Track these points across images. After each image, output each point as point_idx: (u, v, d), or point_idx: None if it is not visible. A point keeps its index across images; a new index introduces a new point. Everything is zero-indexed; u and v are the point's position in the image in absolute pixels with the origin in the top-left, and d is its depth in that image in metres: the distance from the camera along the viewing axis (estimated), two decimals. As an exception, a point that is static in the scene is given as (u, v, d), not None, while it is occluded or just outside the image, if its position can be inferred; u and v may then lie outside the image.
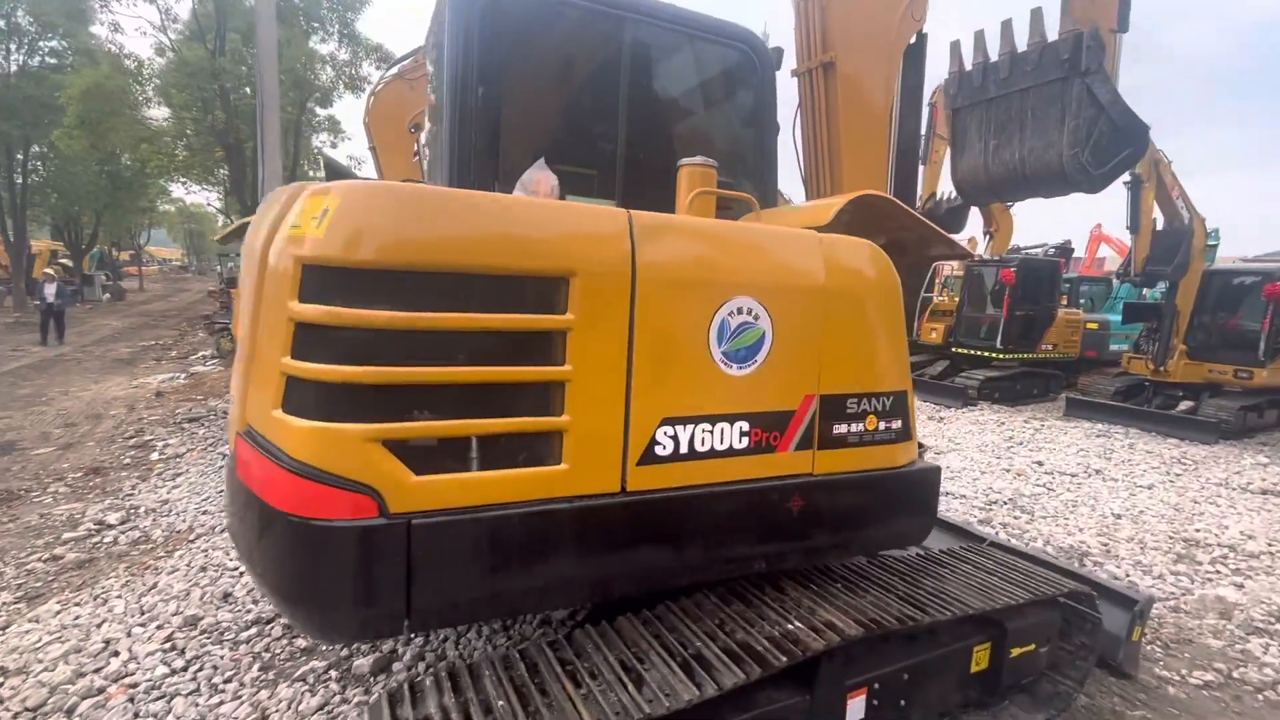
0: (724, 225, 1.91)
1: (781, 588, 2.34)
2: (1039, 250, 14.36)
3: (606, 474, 1.70)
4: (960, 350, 12.38)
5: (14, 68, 23.61)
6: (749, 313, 1.83)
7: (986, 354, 11.89)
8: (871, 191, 2.17)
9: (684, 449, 1.78)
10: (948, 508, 5.58)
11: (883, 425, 2.11)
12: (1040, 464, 7.37)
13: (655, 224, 1.73)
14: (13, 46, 24.08)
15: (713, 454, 1.83)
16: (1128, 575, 4.27)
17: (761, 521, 1.94)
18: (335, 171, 1.99)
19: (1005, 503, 5.83)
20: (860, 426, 2.07)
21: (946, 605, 2.33)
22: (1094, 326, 13.47)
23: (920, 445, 3.41)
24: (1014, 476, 6.80)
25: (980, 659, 2.52)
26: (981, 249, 13.61)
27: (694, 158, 2.12)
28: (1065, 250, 15.11)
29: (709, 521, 1.85)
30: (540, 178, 2.27)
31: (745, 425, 1.87)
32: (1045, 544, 4.76)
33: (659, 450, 1.75)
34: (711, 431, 1.82)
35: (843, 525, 2.10)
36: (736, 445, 1.87)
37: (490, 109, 2.42)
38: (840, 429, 2.04)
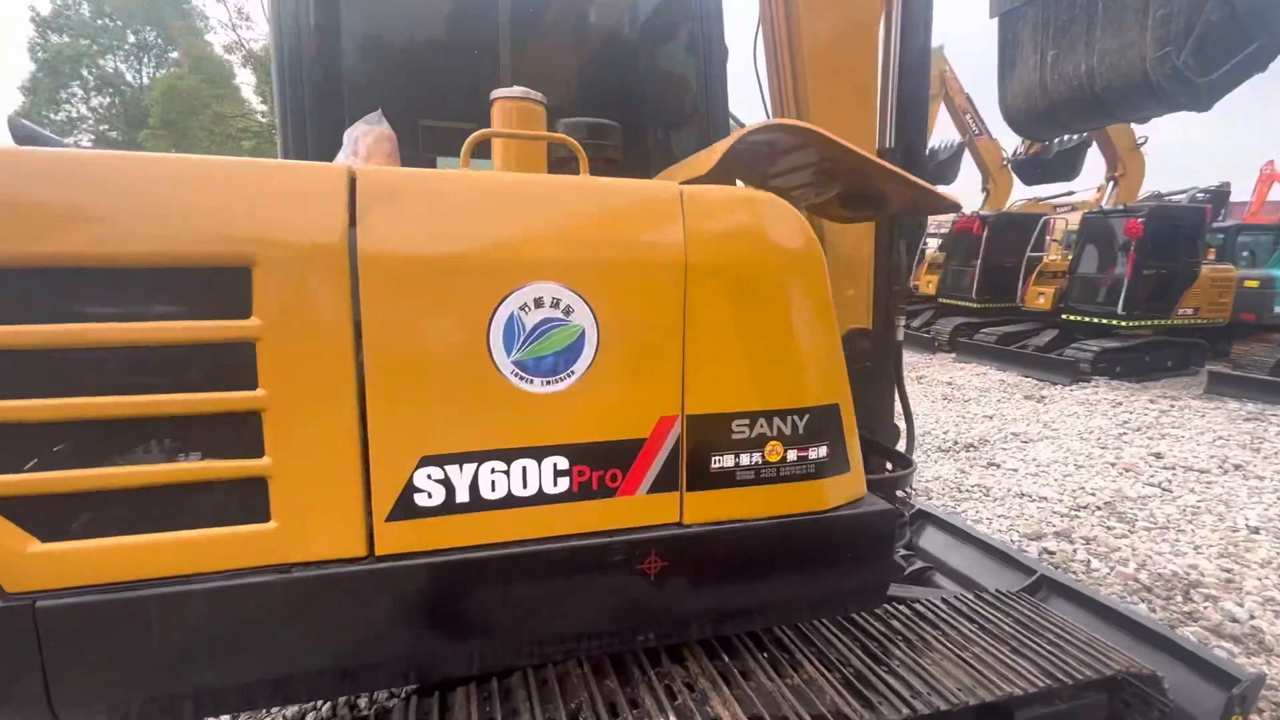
0: (510, 181, 1.35)
1: (681, 655, 1.80)
2: (1184, 196, 12.05)
3: (342, 534, 1.24)
4: (1072, 317, 10.69)
5: (145, 79, 26.26)
6: (555, 305, 1.29)
7: (1105, 321, 10.17)
8: (783, 121, 1.51)
9: (463, 497, 1.29)
10: (1020, 514, 4.65)
11: (795, 455, 1.50)
12: (1159, 456, 6.09)
13: (392, 184, 1.22)
14: (145, 59, 26.76)
15: (511, 502, 1.32)
16: (1251, 618, 3.27)
17: (602, 590, 1.41)
18: (20, 137, 1.64)
19: (1099, 508, 4.79)
20: (756, 458, 1.47)
21: (908, 695, 1.70)
22: (1254, 285, 11.15)
23: (901, 462, 2.67)
24: (1119, 473, 5.64)
25: (977, 756, 1.86)
26: (1107, 198, 11.60)
27: (511, 89, 1.56)
28: (1219, 195, 12.59)
29: (511, 592, 1.35)
30: (367, 134, 1.81)
31: (562, 461, 1.34)
32: (1139, 569, 3.79)
33: (421, 500, 1.27)
34: (507, 472, 1.31)
35: (735, 592, 1.53)
36: (550, 489, 1.34)
37: (329, 51, 1.98)
38: (723, 462, 1.45)
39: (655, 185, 1.40)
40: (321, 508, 1.23)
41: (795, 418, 1.49)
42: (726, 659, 1.78)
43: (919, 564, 3.12)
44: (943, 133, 14.14)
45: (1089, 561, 3.85)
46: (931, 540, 3.44)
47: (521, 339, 1.28)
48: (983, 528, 4.36)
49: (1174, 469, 5.78)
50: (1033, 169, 10.81)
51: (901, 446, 2.75)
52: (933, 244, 15.37)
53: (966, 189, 14.38)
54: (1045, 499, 4.95)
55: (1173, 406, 8.22)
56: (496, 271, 1.25)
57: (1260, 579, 3.70)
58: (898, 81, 2.37)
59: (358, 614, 1.27)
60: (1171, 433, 6.98)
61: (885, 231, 2.50)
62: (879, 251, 2.53)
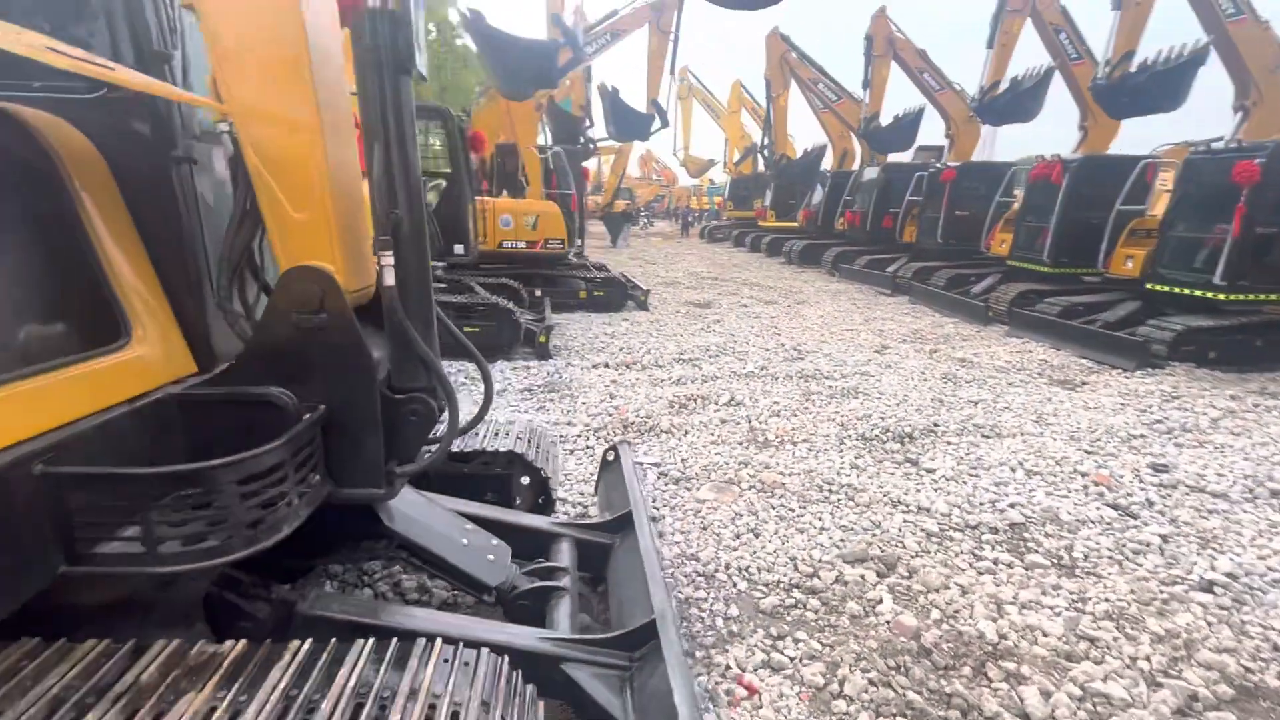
0: None
1: None
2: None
3: None
4: (1157, 287, 8.51)
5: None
6: None
7: (1198, 293, 7.99)
8: None
9: None
10: (871, 527, 3.64)
11: None
12: (1163, 469, 4.62)
13: None
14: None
15: None
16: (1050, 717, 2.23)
17: None
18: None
19: (997, 531, 3.65)
20: None
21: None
22: None
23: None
24: (1082, 488, 4.32)
25: None
26: (1232, 134, 8.93)
27: None
28: None
29: None
30: None
31: None
32: (939, 621, 2.76)
33: None
34: None
35: None
36: None
37: None
38: None
39: None
40: None
41: None
42: None
43: (561, 581, 2.44)
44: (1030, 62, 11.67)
45: (879, 601, 2.88)
46: (626, 552, 2.70)
47: None
48: (798, 540, 3.46)
49: (1173, 489, 4.34)
50: (1116, 96, 8.51)
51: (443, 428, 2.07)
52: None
53: (1060, 126, 11.84)
54: (927, 510, 3.86)
55: (1258, 406, 6.29)
56: None
57: (1128, 660, 2.56)
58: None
59: None
60: (1219, 440, 5.29)
61: (378, 110, 1.78)
62: (382, 151, 1.82)
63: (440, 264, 7.29)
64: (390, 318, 1.89)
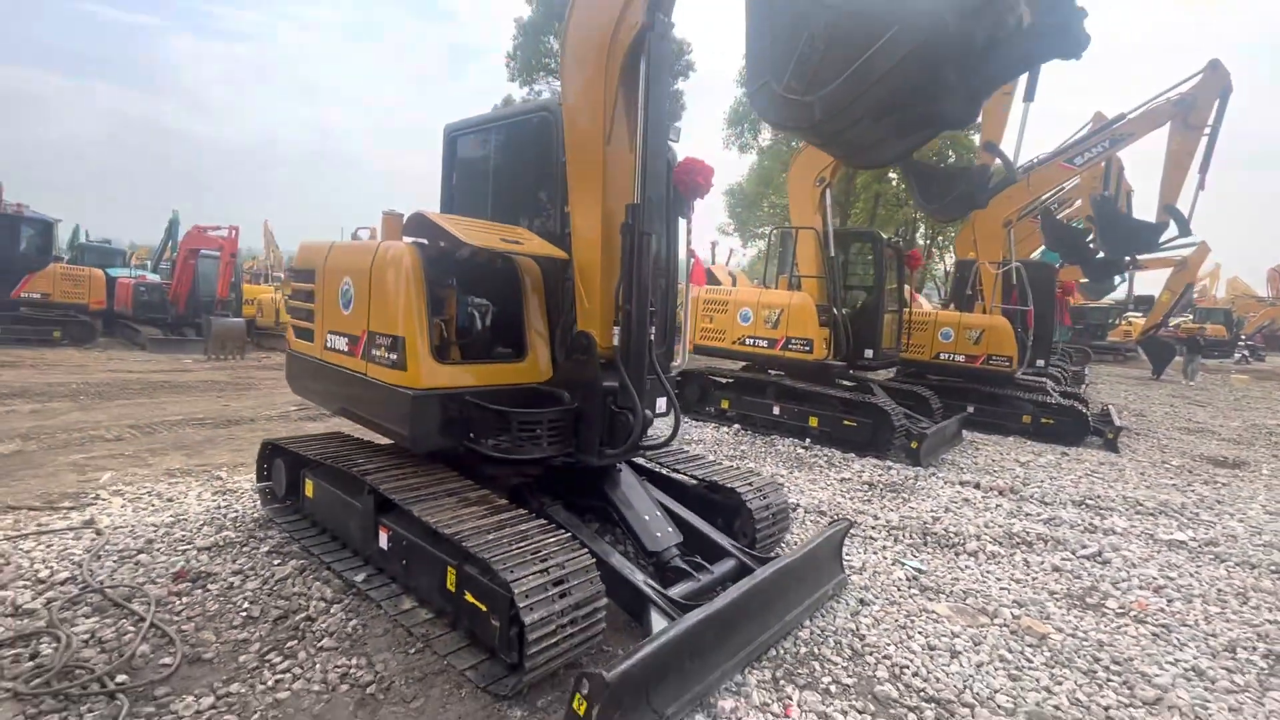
0: (357, 243, 3.76)
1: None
2: None
3: (318, 350, 4.08)
4: None
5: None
6: (348, 283, 3.71)
7: None
8: (418, 210, 3.35)
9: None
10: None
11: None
12: None
13: (319, 246, 3.94)
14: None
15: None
16: None
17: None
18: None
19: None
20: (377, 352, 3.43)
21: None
22: None
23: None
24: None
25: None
26: None
27: (391, 209, 3.92)
28: None
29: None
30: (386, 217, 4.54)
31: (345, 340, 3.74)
32: None
33: (326, 343, 3.97)
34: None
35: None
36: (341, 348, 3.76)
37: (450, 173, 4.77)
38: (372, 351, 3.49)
39: (384, 243, 3.60)
40: (316, 340, 4.12)
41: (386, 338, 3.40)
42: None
43: (698, 574, 3.38)
44: None
45: None
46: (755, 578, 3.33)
47: (342, 295, 3.80)
48: (995, 680, 3.12)
49: None
50: None
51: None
52: None
53: None
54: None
55: None
56: (337, 272, 3.83)
57: None
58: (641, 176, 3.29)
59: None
60: None
61: (627, 256, 3.34)
62: (622, 274, 3.37)
63: (837, 363, 8.35)
64: (614, 363, 3.38)
